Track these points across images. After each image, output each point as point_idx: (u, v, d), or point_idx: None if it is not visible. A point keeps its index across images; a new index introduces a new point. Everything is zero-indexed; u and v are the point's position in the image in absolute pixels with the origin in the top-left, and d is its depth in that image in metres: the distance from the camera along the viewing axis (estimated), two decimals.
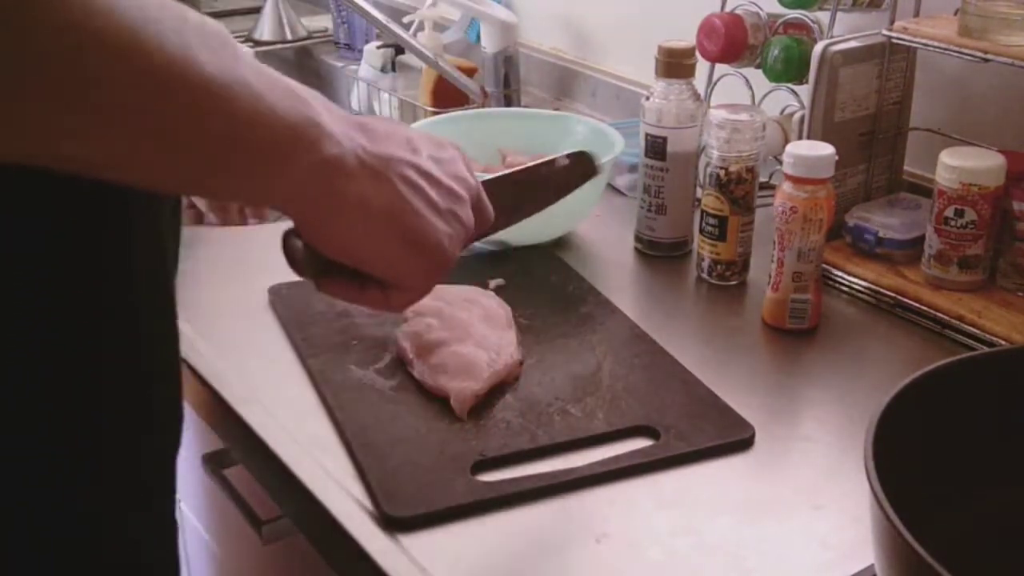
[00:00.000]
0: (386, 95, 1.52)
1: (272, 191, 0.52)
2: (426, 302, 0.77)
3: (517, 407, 0.77)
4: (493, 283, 0.94)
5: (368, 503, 0.69)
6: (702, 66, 1.04)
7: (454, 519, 0.67)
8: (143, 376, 0.66)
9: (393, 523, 0.67)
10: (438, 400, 0.77)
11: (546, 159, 0.77)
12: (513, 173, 0.74)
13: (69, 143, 0.45)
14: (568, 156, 0.78)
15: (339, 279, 0.58)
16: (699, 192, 1.01)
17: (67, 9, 0.42)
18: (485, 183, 0.66)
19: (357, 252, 0.56)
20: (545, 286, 0.96)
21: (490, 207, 0.64)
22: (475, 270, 0.95)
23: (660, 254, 1.04)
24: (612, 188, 1.17)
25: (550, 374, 0.81)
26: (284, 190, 0.52)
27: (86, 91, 0.43)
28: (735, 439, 0.75)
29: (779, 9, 1.06)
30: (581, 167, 0.80)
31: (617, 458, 0.72)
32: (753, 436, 0.75)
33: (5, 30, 0.41)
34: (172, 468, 0.73)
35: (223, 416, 0.80)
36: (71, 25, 0.42)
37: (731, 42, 1.07)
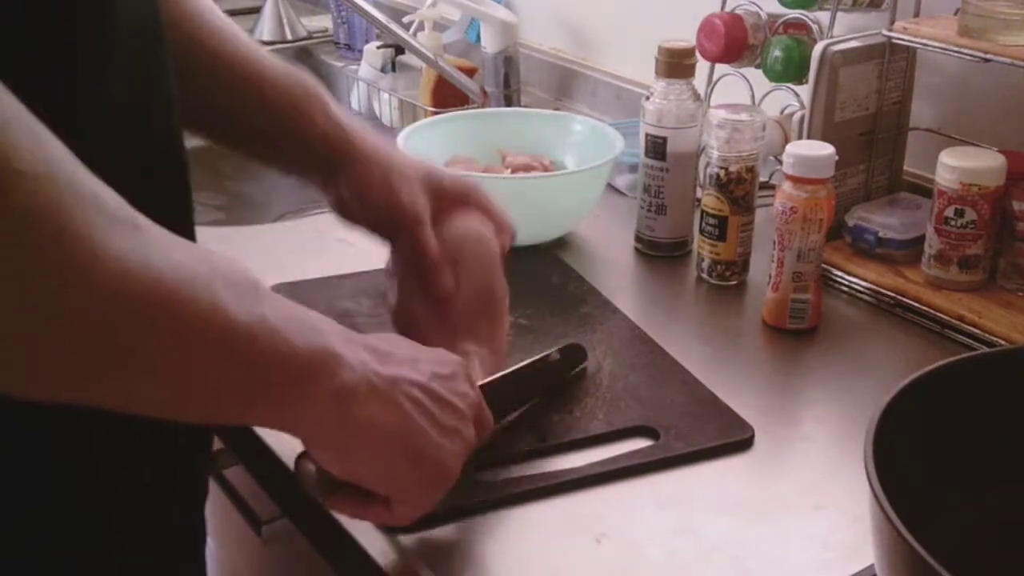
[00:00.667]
0: (386, 95, 1.52)
1: (292, 420, 0.54)
2: None
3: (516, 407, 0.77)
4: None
5: None
6: (702, 66, 1.04)
7: (454, 519, 0.67)
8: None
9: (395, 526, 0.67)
10: None
11: (539, 357, 0.78)
12: (508, 375, 0.74)
13: (101, 392, 0.46)
14: (560, 351, 0.80)
15: (346, 495, 0.60)
16: (699, 192, 1.01)
17: (103, 273, 0.42)
18: (483, 387, 0.67)
19: (364, 471, 0.58)
20: (545, 286, 0.96)
21: (490, 416, 0.66)
22: None
23: (660, 254, 1.04)
24: (612, 188, 1.17)
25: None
26: (302, 418, 0.54)
27: (119, 355, 0.44)
28: (735, 439, 0.75)
29: (779, 9, 1.06)
30: (571, 359, 0.82)
31: (616, 458, 0.72)
32: (753, 436, 0.75)
33: (41, 295, 0.41)
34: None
35: None
36: (107, 292, 0.43)
37: (731, 42, 1.07)
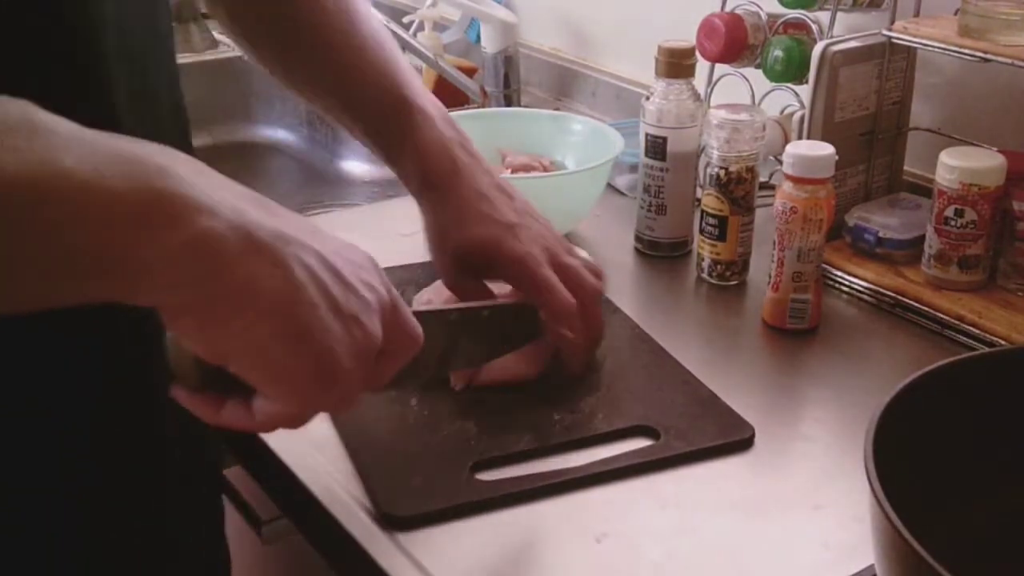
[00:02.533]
0: None
1: (137, 284, 0.43)
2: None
3: (517, 407, 0.77)
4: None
5: (368, 503, 0.69)
6: (702, 66, 1.04)
7: (454, 518, 0.67)
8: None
9: (393, 522, 0.67)
10: (438, 399, 0.77)
11: (486, 303, 0.73)
12: (448, 310, 0.69)
13: None
14: (513, 306, 0.74)
15: (212, 392, 0.50)
16: (699, 192, 1.01)
17: None
18: (416, 314, 0.57)
19: (232, 347, 0.47)
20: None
21: (414, 327, 0.55)
22: None
23: (660, 254, 1.04)
24: (612, 188, 1.17)
25: (550, 374, 0.81)
26: (153, 282, 0.43)
27: None
28: (735, 439, 0.75)
29: (779, 9, 1.06)
30: (526, 323, 0.75)
31: (616, 458, 0.72)
32: (753, 436, 0.75)
33: None
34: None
35: None
36: None
37: (731, 42, 1.07)
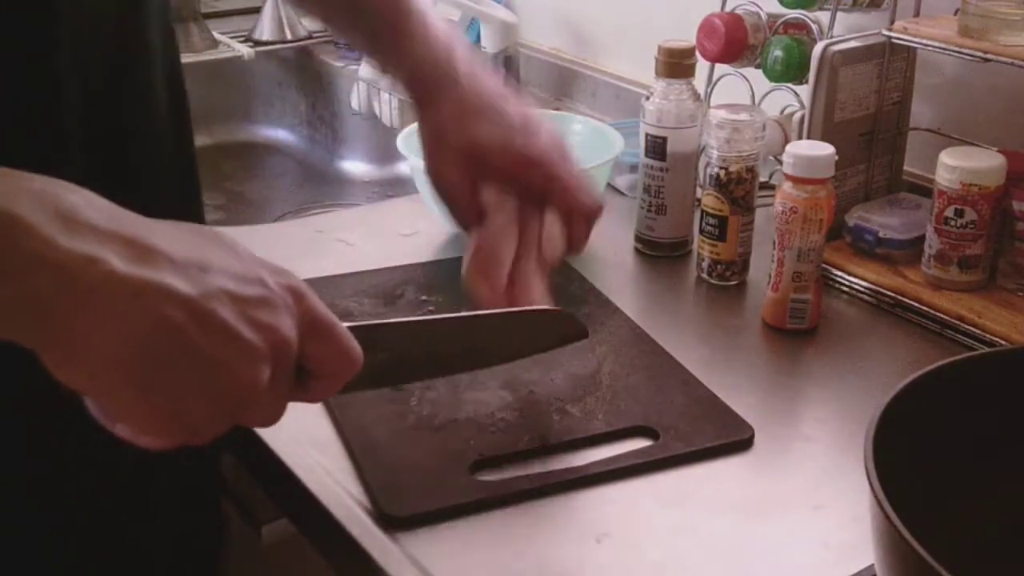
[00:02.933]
0: (386, 95, 1.52)
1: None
2: None
3: (516, 407, 0.77)
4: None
5: (368, 503, 0.69)
6: (702, 66, 1.04)
7: (452, 518, 0.67)
8: None
9: (391, 522, 0.67)
10: (437, 399, 0.78)
11: (506, 312, 0.70)
12: (441, 321, 0.66)
13: None
14: (540, 314, 0.71)
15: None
16: (699, 192, 1.01)
17: None
18: (399, 324, 0.58)
19: (85, 388, 0.44)
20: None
21: (344, 347, 0.51)
22: None
23: (660, 254, 1.04)
24: (612, 188, 1.17)
25: (550, 374, 0.81)
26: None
27: None
28: (734, 439, 0.75)
29: (779, 9, 1.06)
30: (560, 329, 0.73)
31: (616, 458, 0.72)
32: (752, 436, 0.75)
33: None
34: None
35: None
36: None
37: (731, 42, 1.07)
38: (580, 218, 0.74)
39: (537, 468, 0.71)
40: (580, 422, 0.76)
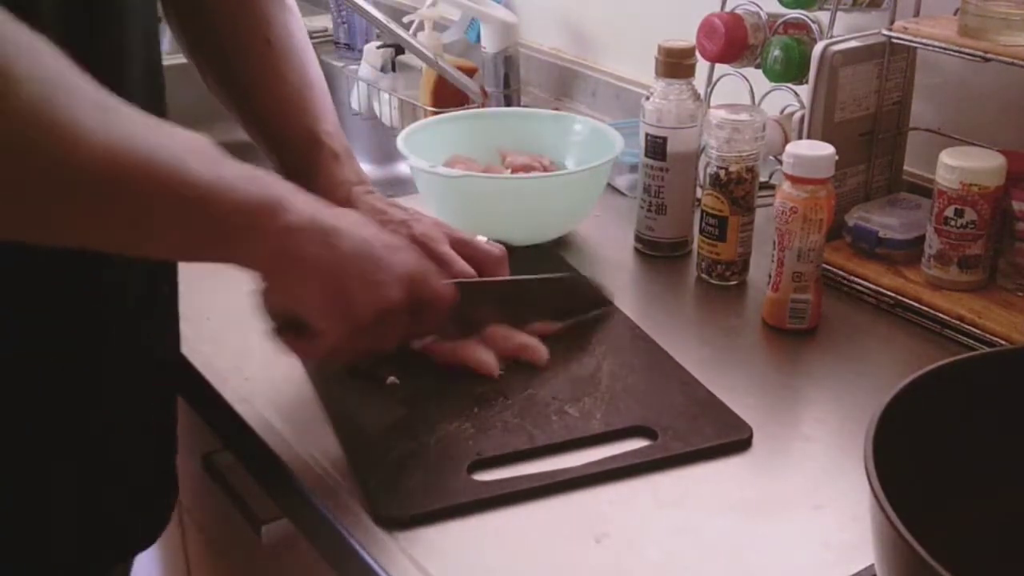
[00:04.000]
0: (386, 95, 1.52)
1: (244, 253, 0.63)
2: None
3: (515, 407, 0.77)
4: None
5: (365, 502, 0.69)
6: (702, 66, 1.04)
7: (450, 518, 0.67)
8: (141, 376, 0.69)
9: (388, 522, 0.67)
10: (436, 398, 0.78)
11: (546, 277, 0.86)
12: (497, 282, 0.82)
13: (90, 237, 0.58)
14: (573, 281, 0.88)
15: (289, 334, 0.70)
16: (699, 192, 1.01)
17: (89, 150, 0.53)
18: (474, 283, 0.79)
19: (293, 298, 0.67)
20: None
21: (442, 288, 0.73)
22: None
23: (660, 254, 1.04)
24: (612, 188, 1.17)
25: (549, 374, 0.81)
26: (253, 251, 0.63)
27: (107, 210, 0.56)
28: (732, 440, 0.74)
29: (779, 9, 1.06)
30: (583, 295, 0.88)
31: (613, 458, 0.72)
32: (751, 437, 0.75)
33: (40, 172, 0.52)
34: (172, 468, 0.75)
35: (223, 416, 0.80)
36: (94, 164, 0.54)
37: (731, 42, 1.07)
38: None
39: (534, 468, 0.72)
40: (578, 422, 0.76)
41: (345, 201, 0.83)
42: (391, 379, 0.80)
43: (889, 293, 0.93)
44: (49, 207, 0.54)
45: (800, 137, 1.00)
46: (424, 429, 0.75)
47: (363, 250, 0.68)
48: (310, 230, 0.65)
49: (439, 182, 1.00)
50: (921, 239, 0.93)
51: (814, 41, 1.01)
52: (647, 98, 1.00)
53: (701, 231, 0.98)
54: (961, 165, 0.88)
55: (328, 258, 0.66)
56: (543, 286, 0.86)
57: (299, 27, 0.86)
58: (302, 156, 0.83)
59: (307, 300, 0.67)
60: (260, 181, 0.63)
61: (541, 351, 0.83)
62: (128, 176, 0.55)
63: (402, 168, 1.54)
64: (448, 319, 0.75)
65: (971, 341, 0.87)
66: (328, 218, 0.67)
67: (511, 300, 0.83)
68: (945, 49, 0.88)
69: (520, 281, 0.84)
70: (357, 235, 0.68)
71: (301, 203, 0.65)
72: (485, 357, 0.81)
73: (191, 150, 0.59)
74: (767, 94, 1.11)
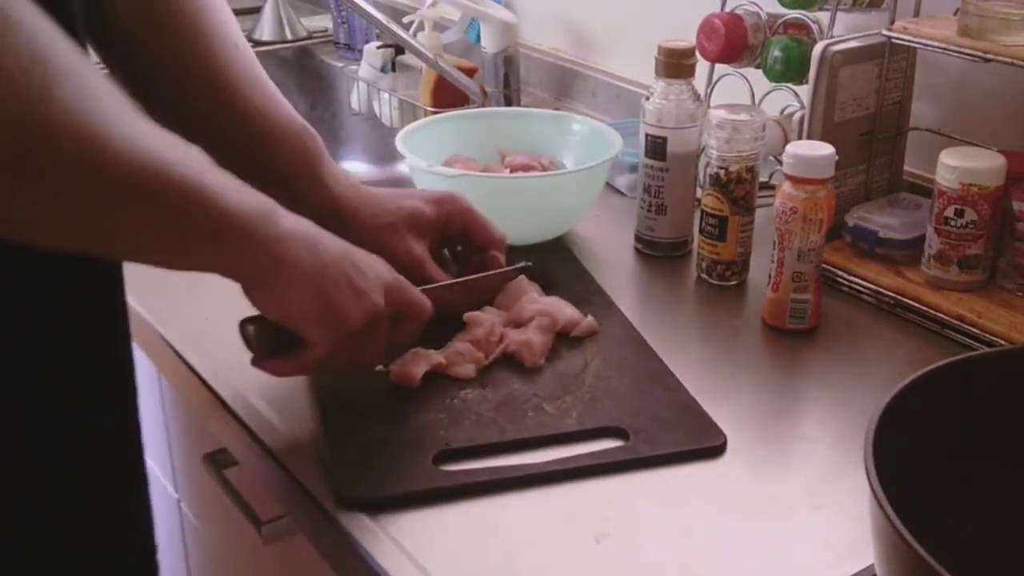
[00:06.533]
0: (386, 95, 1.52)
1: (244, 261, 0.65)
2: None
3: (493, 401, 0.78)
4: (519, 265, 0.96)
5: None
6: (702, 66, 1.04)
7: (411, 506, 0.68)
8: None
9: (348, 503, 0.68)
10: (419, 388, 0.79)
11: (501, 271, 0.88)
12: (460, 283, 0.86)
13: (100, 241, 0.59)
14: (520, 270, 0.90)
15: (276, 356, 0.72)
16: (699, 192, 1.01)
17: (112, 165, 0.54)
18: (443, 287, 0.83)
19: (287, 305, 0.68)
20: (551, 284, 0.95)
21: (420, 299, 0.76)
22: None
23: (660, 254, 1.04)
24: (612, 188, 1.17)
25: (536, 371, 0.82)
26: (252, 259, 0.65)
27: (125, 221, 0.57)
28: (704, 446, 0.74)
29: (779, 9, 1.06)
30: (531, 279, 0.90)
31: (578, 457, 0.73)
32: (724, 444, 0.74)
33: (59, 183, 0.52)
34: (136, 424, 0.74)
35: (223, 416, 0.80)
36: (115, 177, 0.55)
37: (731, 42, 1.07)
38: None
39: (500, 462, 0.72)
40: (553, 420, 0.76)
41: (353, 187, 0.85)
42: (379, 367, 0.81)
43: (889, 293, 0.93)
44: (72, 212, 0.55)
45: (800, 137, 1.00)
46: (400, 417, 0.76)
47: (347, 258, 0.70)
48: (300, 238, 0.67)
49: (438, 182, 1.00)
50: (921, 239, 0.93)
51: (814, 41, 1.01)
52: (647, 98, 1.00)
53: (701, 231, 0.98)
54: (961, 165, 0.88)
55: (318, 265, 0.67)
56: (503, 278, 0.89)
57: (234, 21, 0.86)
58: (299, 144, 0.84)
59: (300, 307, 0.68)
60: (250, 189, 0.64)
61: (535, 352, 0.83)
62: (151, 187, 0.57)
63: (402, 168, 1.54)
64: (425, 327, 0.78)
65: (971, 341, 0.87)
66: (311, 228, 0.68)
67: (475, 297, 0.87)
68: (945, 49, 0.88)
69: (482, 278, 0.88)
70: (339, 243, 0.70)
71: (286, 212, 0.66)
72: (415, 369, 0.80)
73: (191, 154, 0.60)
74: (767, 94, 1.11)
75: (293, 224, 0.67)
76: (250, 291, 0.68)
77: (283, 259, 0.66)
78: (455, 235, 0.89)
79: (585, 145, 1.10)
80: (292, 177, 0.83)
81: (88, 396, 0.67)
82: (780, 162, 0.98)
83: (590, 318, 0.87)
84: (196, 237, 0.62)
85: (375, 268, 0.73)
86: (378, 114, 1.55)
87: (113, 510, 0.71)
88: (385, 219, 0.85)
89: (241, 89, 0.82)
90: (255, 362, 0.73)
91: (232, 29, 0.83)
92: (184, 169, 0.59)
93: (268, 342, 0.72)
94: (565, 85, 1.49)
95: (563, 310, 0.87)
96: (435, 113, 1.32)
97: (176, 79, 0.80)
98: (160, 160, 0.57)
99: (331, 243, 0.70)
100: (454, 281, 0.86)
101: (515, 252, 1.00)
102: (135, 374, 0.72)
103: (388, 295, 0.73)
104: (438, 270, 0.86)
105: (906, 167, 1.06)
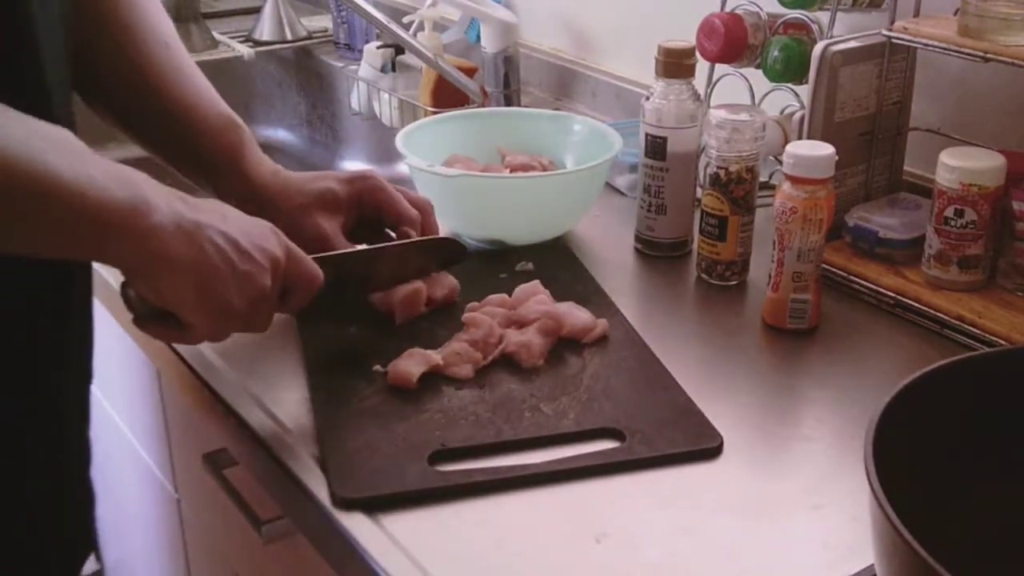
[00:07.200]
0: (386, 95, 1.52)
1: (113, 255, 0.65)
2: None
3: (490, 401, 0.78)
4: (519, 267, 0.98)
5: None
6: (702, 66, 1.04)
7: (406, 506, 0.68)
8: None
9: (341, 503, 0.68)
10: (418, 390, 0.79)
11: (408, 241, 0.88)
12: (365, 251, 0.86)
13: None
14: (434, 240, 0.90)
15: (158, 322, 0.72)
16: (699, 192, 1.01)
17: None
18: (341, 255, 0.83)
19: (168, 297, 0.69)
20: (552, 283, 0.95)
21: (311, 269, 0.76)
22: (502, 258, 0.99)
23: (660, 254, 1.04)
24: (612, 188, 1.17)
25: (534, 371, 0.82)
26: (120, 252, 0.65)
27: None
28: (701, 448, 0.74)
29: (779, 9, 1.06)
30: (446, 252, 0.91)
31: (575, 458, 0.73)
32: (721, 446, 0.74)
33: None
34: (85, 399, 0.79)
35: (223, 416, 0.80)
36: None
37: (731, 42, 1.07)
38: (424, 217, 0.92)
39: (496, 462, 0.72)
40: (550, 420, 0.76)
41: (272, 174, 0.88)
42: (376, 367, 0.81)
43: (889, 293, 0.93)
44: None
45: (800, 137, 1.00)
46: (397, 417, 0.76)
47: (229, 243, 0.70)
48: (175, 230, 0.66)
49: (437, 181, 1.00)
50: (921, 239, 0.93)
51: (814, 41, 1.01)
52: (647, 98, 1.00)
53: (701, 231, 0.98)
54: (961, 165, 0.88)
55: (195, 257, 0.67)
56: (405, 249, 0.88)
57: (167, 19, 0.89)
58: (225, 138, 0.86)
59: (177, 297, 0.69)
60: (125, 179, 0.64)
61: (534, 354, 0.82)
62: (35, 198, 0.58)
63: (402, 168, 1.54)
64: (319, 295, 0.78)
65: (971, 341, 0.87)
66: (190, 215, 0.68)
67: (377, 267, 0.87)
68: (945, 49, 0.88)
69: (384, 248, 0.88)
70: (221, 229, 0.70)
71: (165, 201, 0.66)
72: (411, 369, 0.80)
73: (54, 145, 0.60)
74: (767, 94, 1.11)
75: (168, 215, 0.66)
76: (129, 278, 0.69)
77: (156, 251, 0.65)
78: (369, 213, 0.90)
79: (585, 145, 1.10)
80: (216, 169, 0.86)
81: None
82: (780, 162, 0.98)
83: (603, 321, 0.87)
84: (52, 231, 0.61)
85: (263, 246, 0.72)
86: (378, 114, 1.55)
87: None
88: (298, 200, 0.87)
89: (169, 86, 0.84)
90: (136, 323, 0.73)
91: (163, 28, 0.85)
92: (38, 164, 0.58)
93: (149, 305, 0.72)
94: (565, 85, 1.49)
95: (573, 316, 0.86)
96: (435, 113, 1.32)
97: (105, 76, 0.83)
98: (8, 155, 0.57)
99: (216, 225, 0.69)
100: (356, 249, 0.86)
101: (515, 252, 1.01)
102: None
103: (275, 270, 0.73)
104: (346, 245, 0.87)
105: (906, 167, 1.06)
